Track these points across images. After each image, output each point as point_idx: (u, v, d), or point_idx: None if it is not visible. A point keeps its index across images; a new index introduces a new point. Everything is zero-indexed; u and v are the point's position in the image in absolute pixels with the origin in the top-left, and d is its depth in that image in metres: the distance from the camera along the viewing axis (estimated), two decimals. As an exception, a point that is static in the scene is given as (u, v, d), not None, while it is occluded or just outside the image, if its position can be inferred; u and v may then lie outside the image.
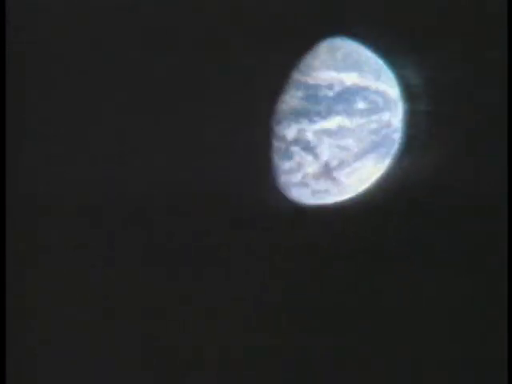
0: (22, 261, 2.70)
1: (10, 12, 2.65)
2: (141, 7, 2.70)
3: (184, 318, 2.69)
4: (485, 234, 2.62)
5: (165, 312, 2.71)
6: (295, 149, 2.69)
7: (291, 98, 2.69)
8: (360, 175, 2.69)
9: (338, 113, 2.66)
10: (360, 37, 2.66)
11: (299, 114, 2.68)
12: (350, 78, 2.67)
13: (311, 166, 2.69)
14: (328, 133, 2.67)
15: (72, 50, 2.70)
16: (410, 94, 2.67)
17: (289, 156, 2.70)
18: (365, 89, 2.67)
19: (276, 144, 2.71)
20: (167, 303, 2.71)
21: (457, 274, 2.63)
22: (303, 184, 2.71)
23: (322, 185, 2.71)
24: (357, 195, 2.71)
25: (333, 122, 2.66)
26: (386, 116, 2.68)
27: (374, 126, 2.67)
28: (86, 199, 2.71)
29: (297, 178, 2.71)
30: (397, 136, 2.69)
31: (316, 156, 2.68)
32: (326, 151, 2.67)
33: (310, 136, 2.67)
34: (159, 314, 2.71)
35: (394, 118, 2.69)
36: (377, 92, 2.67)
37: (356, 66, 2.67)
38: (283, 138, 2.70)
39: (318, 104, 2.67)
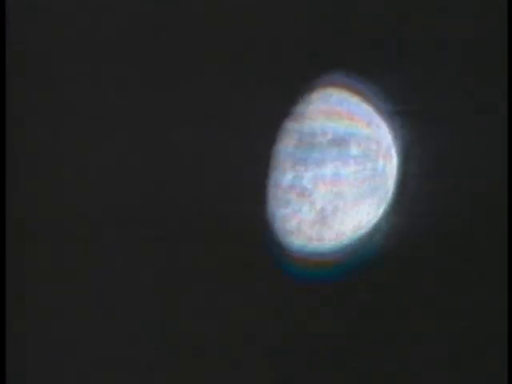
0: (21, 260, 2.69)
1: (9, 12, 2.65)
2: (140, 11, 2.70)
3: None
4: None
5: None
6: (291, 196, 2.69)
7: (285, 145, 2.70)
8: (355, 222, 2.69)
9: (332, 160, 2.67)
10: (352, 84, 2.69)
11: (294, 161, 2.69)
12: (343, 126, 2.69)
13: (307, 213, 2.68)
14: (323, 179, 2.67)
15: (72, 49, 2.71)
16: (402, 141, 2.69)
17: (284, 203, 2.70)
18: (358, 136, 2.69)
19: (271, 191, 2.70)
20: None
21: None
22: (298, 231, 2.70)
23: (318, 232, 2.70)
24: (352, 242, 2.71)
25: (326, 169, 2.67)
26: (379, 163, 2.69)
27: (368, 172, 2.68)
28: (86, 207, 2.69)
29: (292, 224, 2.70)
30: (391, 183, 2.70)
31: (312, 203, 2.68)
32: (322, 198, 2.67)
33: (305, 183, 2.68)
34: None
35: (389, 165, 2.71)
36: (369, 139, 2.69)
37: (348, 114, 2.69)
38: (279, 185, 2.70)
39: (313, 151, 2.68)
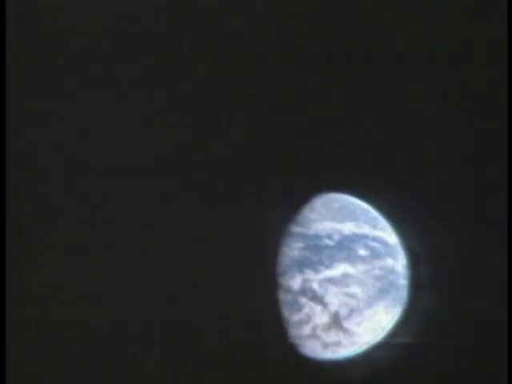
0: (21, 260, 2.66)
1: (9, 12, 2.66)
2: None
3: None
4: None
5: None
6: (303, 300, 2.67)
7: (292, 250, 2.72)
8: (371, 324, 2.66)
9: (340, 261, 2.69)
10: (354, 190, 2.75)
11: (302, 265, 2.70)
12: (348, 228, 2.73)
13: (320, 317, 2.66)
14: (333, 281, 2.67)
15: (72, 50, 2.72)
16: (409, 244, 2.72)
17: (297, 308, 2.67)
18: (363, 237, 2.72)
19: (283, 296, 2.69)
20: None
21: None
22: (314, 336, 2.66)
23: (333, 336, 2.65)
24: (370, 346, 2.65)
25: (337, 271, 2.67)
26: (389, 262, 2.70)
27: (378, 272, 2.68)
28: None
29: (307, 330, 2.66)
30: (403, 282, 2.69)
31: (325, 306, 2.66)
32: (334, 300, 2.65)
33: (315, 286, 2.67)
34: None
35: (397, 263, 2.71)
36: (376, 239, 2.72)
37: (352, 217, 2.74)
38: (290, 290, 2.68)
39: (320, 253, 2.70)
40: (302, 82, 2.71)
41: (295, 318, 2.68)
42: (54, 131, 2.75)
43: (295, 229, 2.76)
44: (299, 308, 2.69)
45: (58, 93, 2.75)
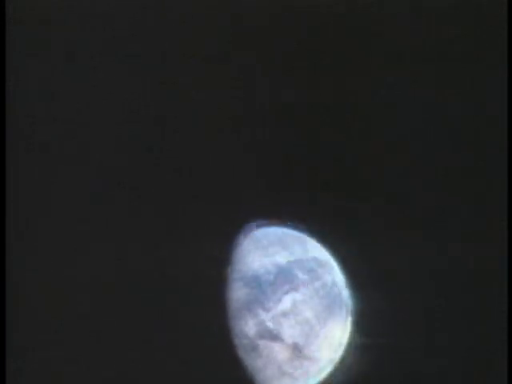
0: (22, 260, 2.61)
1: (9, 11, 2.62)
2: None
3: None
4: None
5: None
6: (261, 342, 2.63)
7: (236, 295, 2.67)
8: (330, 342, 2.67)
9: (286, 292, 2.67)
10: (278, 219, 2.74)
11: (251, 307, 2.65)
12: (282, 258, 2.71)
13: (282, 354, 2.63)
14: (285, 314, 2.65)
15: (73, 50, 2.69)
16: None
17: (258, 352, 2.63)
18: (298, 262, 2.71)
19: (240, 343, 2.63)
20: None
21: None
22: (282, 374, 2.63)
23: (299, 367, 2.64)
24: (335, 367, 2.67)
25: (286, 302, 2.66)
26: (328, 278, 2.72)
27: (321, 291, 2.69)
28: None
29: (273, 370, 2.63)
30: (345, 292, 2.73)
31: (282, 341, 2.63)
32: (290, 332, 2.64)
33: (270, 324, 2.63)
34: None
35: (336, 277, 2.74)
36: (310, 261, 2.73)
37: (282, 246, 2.73)
38: (246, 336, 2.63)
39: (264, 291, 2.66)
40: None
41: (258, 363, 2.64)
42: (55, 134, 2.69)
43: (234, 274, 2.70)
44: (259, 352, 2.64)
45: (58, 92, 2.72)
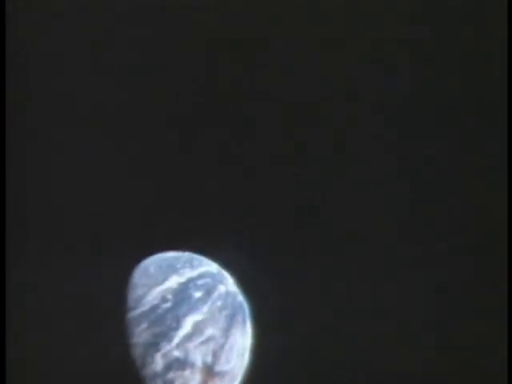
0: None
1: (9, 11, 2.57)
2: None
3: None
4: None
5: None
6: (172, 375, 2.59)
7: (140, 336, 2.58)
8: (237, 355, 2.68)
9: (185, 316, 2.61)
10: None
11: (156, 343, 2.58)
12: (173, 281, 2.64)
13: (193, 379, 2.61)
14: (188, 338, 2.60)
15: (72, 51, 2.65)
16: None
17: (171, 384, 2.59)
18: (190, 281, 2.66)
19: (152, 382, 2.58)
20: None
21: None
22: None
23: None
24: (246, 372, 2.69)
25: (187, 326, 2.61)
26: (221, 288, 2.69)
27: (218, 303, 2.66)
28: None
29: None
30: (240, 298, 2.72)
31: (192, 366, 2.60)
32: (197, 355, 2.60)
33: (176, 353, 2.58)
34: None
35: (228, 285, 2.72)
36: (201, 276, 2.68)
37: (171, 270, 2.65)
38: (156, 375, 2.57)
39: (164, 321, 2.59)
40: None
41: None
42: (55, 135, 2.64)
43: (131, 313, 2.59)
44: None
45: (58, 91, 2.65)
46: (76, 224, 2.67)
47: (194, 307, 2.62)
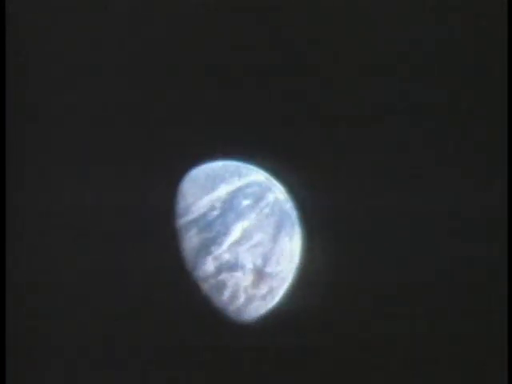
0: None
1: (9, 11, 2.63)
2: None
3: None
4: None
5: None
6: (223, 276, 2.73)
7: (190, 240, 2.72)
8: (286, 258, 2.78)
9: (233, 222, 2.73)
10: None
11: (206, 247, 2.72)
12: (222, 191, 2.75)
13: (245, 280, 2.73)
14: (238, 242, 2.73)
15: (73, 51, 2.70)
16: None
17: (223, 287, 2.73)
18: (239, 190, 2.76)
19: (207, 286, 2.73)
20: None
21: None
22: (249, 299, 2.75)
23: (265, 287, 2.76)
24: (295, 276, 2.80)
25: (236, 232, 2.73)
26: (270, 197, 2.79)
27: (267, 210, 2.76)
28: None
29: (242, 299, 2.74)
30: (289, 205, 2.81)
31: (243, 268, 2.73)
32: (248, 257, 2.73)
33: (226, 256, 2.72)
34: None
35: (278, 193, 2.81)
36: (249, 185, 2.78)
37: (219, 179, 2.76)
38: (208, 276, 2.72)
39: (214, 227, 2.72)
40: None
41: (226, 296, 2.75)
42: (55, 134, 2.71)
43: (180, 220, 2.74)
44: (225, 285, 2.75)
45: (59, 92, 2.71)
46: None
47: (241, 214, 2.74)
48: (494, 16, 2.69)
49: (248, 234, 2.73)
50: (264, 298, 2.77)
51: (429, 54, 2.75)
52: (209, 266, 2.73)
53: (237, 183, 2.77)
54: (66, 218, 2.73)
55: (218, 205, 2.74)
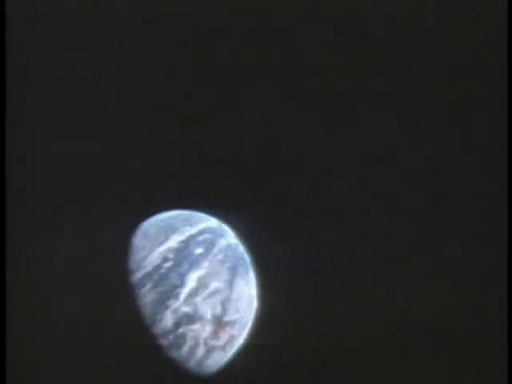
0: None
1: (9, 11, 2.61)
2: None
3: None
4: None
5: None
6: (183, 330, 2.65)
7: (146, 296, 2.64)
8: (244, 303, 2.74)
9: (188, 272, 2.67)
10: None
11: (162, 301, 2.64)
12: (174, 241, 2.69)
13: (206, 331, 2.67)
14: (195, 292, 2.66)
15: (73, 52, 2.68)
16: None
17: (182, 341, 2.66)
18: (191, 238, 2.70)
19: (165, 341, 2.65)
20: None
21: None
22: (210, 350, 2.68)
23: (225, 336, 2.70)
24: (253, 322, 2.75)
25: (191, 282, 2.66)
26: (222, 242, 2.74)
27: (220, 256, 2.71)
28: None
29: (202, 350, 2.67)
30: (242, 249, 2.76)
31: (201, 319, 2.66)
32: (206, 307, 2.67)
33: (185, 309, 2.65)
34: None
35: (229, 238, 2.76)
36: (201, 233, 2.72)
37: (170, 229, 2.70)
38: (167, 332, 2.65)
39: (169, 279, 2.65)
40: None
41: (185, 350, 2.67)
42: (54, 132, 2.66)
43: (136, 275, 2.66)
44: (184, 338, 2.67)
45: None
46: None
47: (195, 263, 2.67)
48: (493, 16, 2.70)
49: (203, 282, 2.67)
50: (223, 348, 2.70)
51: (429, 53, 2.75)
52: (167, 320, 2.64)
53: (188, 231, 2.70)
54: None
55: (170, 256, 2.66)
